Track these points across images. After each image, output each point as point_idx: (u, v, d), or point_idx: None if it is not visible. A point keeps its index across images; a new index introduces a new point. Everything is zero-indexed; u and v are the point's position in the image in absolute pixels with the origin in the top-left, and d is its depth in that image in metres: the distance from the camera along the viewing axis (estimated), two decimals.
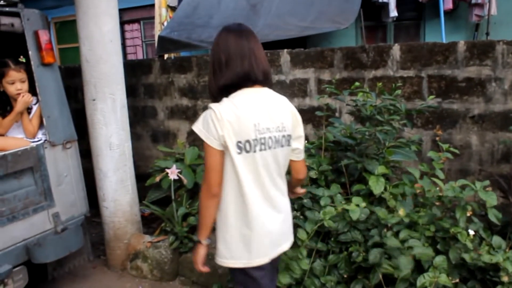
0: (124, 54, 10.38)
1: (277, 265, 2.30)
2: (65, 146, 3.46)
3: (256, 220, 1.94)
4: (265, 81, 1.95)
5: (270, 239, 1.99)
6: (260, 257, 1.98)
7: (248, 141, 1.86)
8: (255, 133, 1.86)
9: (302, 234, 2.80)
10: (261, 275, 2.04)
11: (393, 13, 6.67)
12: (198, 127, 1.91)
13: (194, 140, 4.83)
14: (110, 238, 3.87)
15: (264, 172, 1.92)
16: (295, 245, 2.90)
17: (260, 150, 1.89)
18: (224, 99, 1.89)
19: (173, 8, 7.03)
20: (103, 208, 3.81)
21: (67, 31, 10.69)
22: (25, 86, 3.37)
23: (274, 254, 2.04)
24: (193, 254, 2.13)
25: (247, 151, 1.86)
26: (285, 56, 4.32)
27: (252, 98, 1.90)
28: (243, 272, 2.03)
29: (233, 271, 2.08)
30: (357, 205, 2.75)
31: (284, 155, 2.00)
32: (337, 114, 4.17)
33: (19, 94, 3.31)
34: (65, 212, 3.46)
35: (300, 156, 2.10)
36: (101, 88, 3.55)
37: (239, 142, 1.85)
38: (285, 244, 2.11)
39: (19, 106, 3.30)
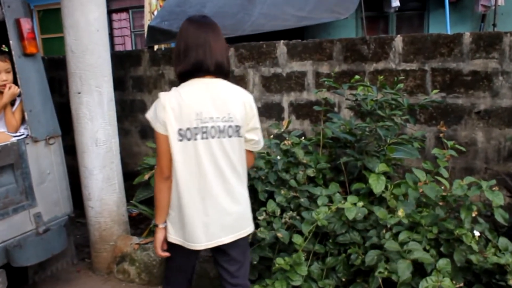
0: (112, 44, 10.34)
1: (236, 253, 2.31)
2: (48, 141, 3.44)
3: (186, 207, 2.10)
4: (218, 72, 2.10)
5: (204, 228, 2.12)
6: (193, 242, 2.13)
7: (189, 128, 2.02)
8: (196, 122, 2.02)
9: (297, 238, 2.79)
10: (184, 253, 2.23)
11: (396, 3, 6.67)
12: (149, 114, 2.11)
13: None
14: (96, 239, 3.86)
15: (207, 161, 2.06)
16: (294, 251, 2.91)
17: (202, 138, 2.04)
18: (173, 88, 2.09)
19: None
20: (88, 208, 3.79)
21: (51, 19, 10.64)
22: (10, 76, 3.34)
23: (212, 244, 2.15)
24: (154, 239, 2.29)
25: (188, 139, 2.03)
26: (281, 47, 4.31)
27: (199, 88, 2.06)
28: (180, 249, 2.20)
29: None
30: (354, 204, 2.74)
31: (233, 145, 2.11)
32: (336, 109, 4.17)
33: (4, 85, 3.29)
34: (48, 212, 3.44)
35: (257, 147, 2.23)
36: (87, 80, 3.52)
37: (181, 129, 2.02)
38: (228, 236, 2.17)
39: (6, 98, 3.27)
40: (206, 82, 2.08)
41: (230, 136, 2.08)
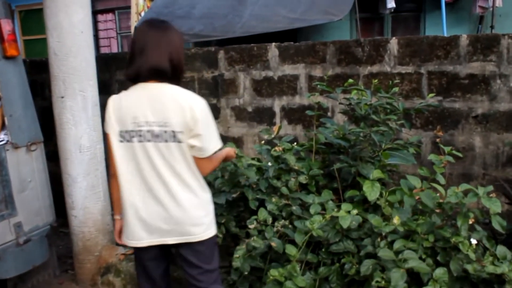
0: (97, 46, 10.33)
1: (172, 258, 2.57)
2: (30, 148, 3.42)
3: (127, 206, 2.26)
4: (158, 77, 2.18)
5: (144, 227, 2.25)
6: (134, 239, 2.28)
7: (127, 131, 2.18)
8: (132, 125, 2.16)
9: (291, 249, 2.78)
10: (145, 257, 2.39)
11: (391, 4, 6.72)
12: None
13: None
14: (79, 250, 3.84)
15: (145, 163, 2.19)
16: (286, 261, 2.91)
17: (139, 141, 2.17)
18: (122, 92, 2.26)
19: None
20: (71, 217, 3.77)
21: (33, 20, 10.61)
22: None
23: (155, 242, 2.27)
24: None
25: (127, 141, 2.19)
26: (273, 50, 4.33)
27: (139, 93, 2.18)
28: (134, 249, 2.39)
29: None
30: (348, 212, 2.75)
31: (172, 150, 2.18)
32: (329, 114, 4.19)
33: None
34: (29, 222, 3.43)
35: (203, 154, 2.23)
36: (71, 84, 3.52)
37: (121, 131, 2.19)
38: (171, 238, 2.27)
39: None
40: (147, 87, 2.18)
41: (166, 141, 2.16)
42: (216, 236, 2.41)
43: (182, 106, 2.13)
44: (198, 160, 2.24)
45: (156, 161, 2.18)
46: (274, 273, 2.68)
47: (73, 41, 3.49)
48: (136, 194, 2.23)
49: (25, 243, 3.33)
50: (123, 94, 2.23)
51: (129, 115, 2.16)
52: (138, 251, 2.38)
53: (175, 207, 2.22)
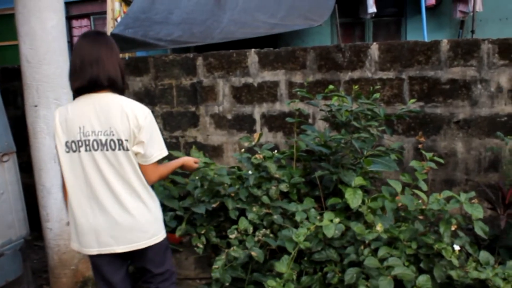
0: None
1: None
2: (1, 159, 3.39)
3: (75, 215, 2.33)
4: (112, 87, 2.27)
5: (93, 235, 2.32)
6: (86, 247, 2.35)
7: (73, 141, 2.25)
8: (79, 135, 2.24)
9: (281, 267, 2.73)
10: (100, 263, 2.43)
11: (372, 9, 6.79)
12: None
13: None
14: (55, 264, 3.80)
15: (92, 172, 2.26)
16: (267, 271, 2.92)
17: (86, 150, 2.24)
18: (68, 104, 2.36)
19: (127, 2, 6.99)
20: (46, 229, 3.74)
21: (4, 26, 10.48)
22: None
23: (104, 251, 2.34)
24: None
25: (74, 151, 2.25)
26: (252, 56, 4.36)
27: (85, 103, 2.25)
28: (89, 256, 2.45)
29: None
30: (331, 221, 2.77)
31: (119, 158, 2.25)
32: (310, 121, 4.22)
33: None
34: (1, 235, 3.38)
35: (147, 160, 2.30)
36: (44, 92, 3.49)
37: (67, 142, 2.26)
38: (120, 246, 2.33)
39: None
40: (94, 97, 2.26)
41: (113, 149, 2.24)
42: (166, 239, 2.47)
43: (127, 114, 2.22)
44: (143, 167, 2.31)
45: (104, 169, 2.25)
46: (271, 283, 2.65)
47: (47, 48, 3.47)
48: (84, 203, 2.30)
49: None
50: (70, 105, 2.31)
51: (76, 125, 2.24)
52: (92, 257, 2.44)
53: (124, 214, 2.28)
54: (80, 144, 2.24)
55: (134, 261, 2.50)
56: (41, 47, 3.45)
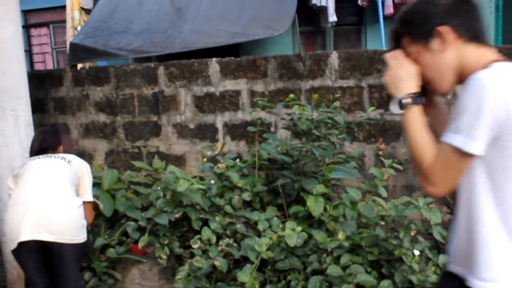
0: (31, 62, 10.06)
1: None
2: None
3: None
4: None
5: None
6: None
7: None
8: None
9: (244, 276, 2.72)
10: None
11: (332, 17, 6.88)
12: None
13: (114, 161, 4.75)
14: (14, 278, 3.71)
15: None
16: (231, 280, 2.92)
17: None
18: None
19: (87, 11, 6.91)
20: (3, 243, 3.65)
21: None
22: None
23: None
24: None
25: None
26: (214, 65, 4.36)
27: None
28: None
29: None
30: (293, 230, 2.79)
31: None
32: (272, 129, 4.24)
33: None
34: None
35: None
36: (1, 103, 3.43)
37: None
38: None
39: None
40: None
41: None
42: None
43: None
44: None
45: None
46: None
47: (2, 58, 3.41)
48: None
49: None
50: None
51: None
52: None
53: None
54: None
55: None
56: None
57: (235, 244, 3.05)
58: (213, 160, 3.54)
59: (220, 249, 3.00)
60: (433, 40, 1.55)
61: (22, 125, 3.52)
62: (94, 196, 3.59)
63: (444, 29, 1.50)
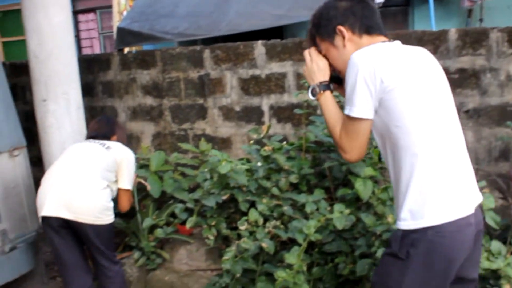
0: (79, 47, 10.27)
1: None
2: (12, 153, 3.41)
3: None
4: None
5: None
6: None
7: None
8: None
9: (291, 258, 2.72)
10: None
11: None
12: None
13: (160, 143, 4.81)
14: None
15: None
16: (278, 261, 2.92)
17: None
18: None
19: None
20: None
21: (11, 22, 10.51)
22: None
23: None
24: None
25: None
26: (259, 48, 4.34)
27: None
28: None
29: None
30: (341, 212, 2.76)
31: None
32: (318, 112, 4.20)
33: None
34: (14, 229, 3.41)
35: None
36: (53, 87, 3.51)
37: None
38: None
39: None
40: None
41: None
42: None
43: None
44: None
45: None
46: (282, 274, 2.65)
47: (54, 43, 3.48)
48: None
49: (11, 250, 3.31)
50: None
51: None
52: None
53: None
54: None
55: None
56: (48, 42, 3.46)
57: (282, 226, 3.05)
58: (259, 142, 3.54)
59: (267, 231, 2.99)
60: (336, 38, 1.90)
61: (73, 108, 3.60)
62: (142, 177, 3.66)
63: (343, 28, 1.86)
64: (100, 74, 5.10)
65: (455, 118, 1.87)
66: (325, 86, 1.99)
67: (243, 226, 3.01)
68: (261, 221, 3.03)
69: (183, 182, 3.79)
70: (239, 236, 3.10)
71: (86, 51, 10.38)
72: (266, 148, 3.33)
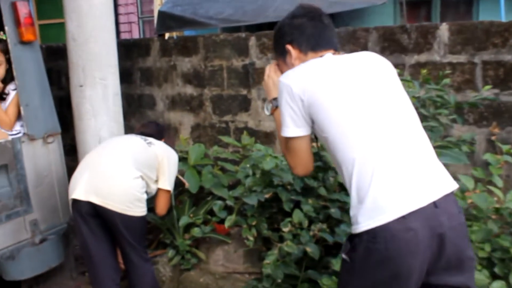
0: (117, 32, 10.39)
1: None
2: (46, 140, 3.45)
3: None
4: None
5: None
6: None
7: None
8: None
9: (338, 265, 2.61)
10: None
11: None
12: None
13: (200, 136, 4.81)
14: None
15: None
16: (323, 268, 2.86)
17: None
18: None
19: None
20: None
21: (49, 4, 10.71)
22: (2, 70, 3.36)
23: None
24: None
25: None
26: None
27: None
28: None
29: None
30: None
31: None
32: None
33: None
34: (45, 220, 3.46)
35: None
36: (91, 72, 3.54)
37: None
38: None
39: None
40: None
41: None
42: None
43: None
44: None
45: None
46: (327, 282, 2.61)
47: (94, 25, 3.50)
48: None
49: (41, 242, 3.36)
50: None
51: None
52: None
53: None
54: None
55: None
56: (87, 24, 3.48)
57: (328, 230, 2.99)
58: None
59: (312, 234, 2.94)
60: (287, 56, 2.05)
61: (110, 95, 3.62)
62: (180, 171, 3.66)
63: (290, 47, 2.02)
64: (138, 60, 5.13)
65: (404, 118, 1.88)
66: (278, 102, 2.06)
67: (286, 228, 2.97)
68: (305, 223, 2.98)
69: (222, 177, 3.77)
70: (281, 239, 3.06)
71: (125, 36, 10.50)
72: (314, 144, 3.26)
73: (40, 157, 3.42)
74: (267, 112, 2.29)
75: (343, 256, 1.81)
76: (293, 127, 1.90)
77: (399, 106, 1.90)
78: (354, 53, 2.04)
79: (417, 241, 1.67)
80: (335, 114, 1.82)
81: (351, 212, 1.79)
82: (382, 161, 1.74)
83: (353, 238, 1.77)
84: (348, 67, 1.93)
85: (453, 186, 1.83)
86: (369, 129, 1.79)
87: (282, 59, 2.11)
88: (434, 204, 1.71)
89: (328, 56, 1.98)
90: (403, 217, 1.66)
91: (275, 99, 2.17)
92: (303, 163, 2.04)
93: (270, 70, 2.25)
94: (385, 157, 1.75)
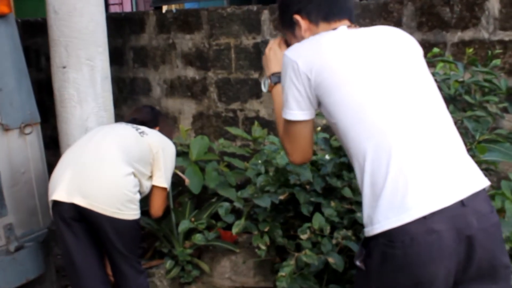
0: (106, 4, 10.43)
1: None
2: (23, 130, 3.46)
3: None
4: None
5: None
6: None
7: None
8: None
9: None
10: None
11: None
12: None
13: (203, 126, 4.83)
14: None
15: None
16: (347, 282, 2.89)
17: None
18: None
19: None
20: None
21: None
22: None
23: None
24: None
25: None
26: None
27: None
28: None
29: None
30: None
31: None
32: None
33: None
34: (22, 224, 3.48)
35: None
36: (75, 51, 3.55)
37: None
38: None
39: None
40: None
41: None
42: None
43: None
44: None
45: None
46: None
47: None
48: None
49: (17, 250, 3.37)
50: None
51: None
52: None
53: None
54: None
55: None
56: None
57: (353, 237, 3.01)
58: (328, 130, 3.50)
59: (335, 242, 2.97)
60: (296, 28, 2.06)
61: (98, 78, 3.63)
62: (179, 168, 3.68)
63: (299, 17, 2.02)
64: (131, 37, 5.16)
65: (427, 105, 1.87)
66: (278, 78, 2.12)
67: (304, 235, 2.99)
68: (327, 229, 3.00)
69: (230, 176, 3.79)
70: (299, 247, 3.09)
71: (115, 9, 10.54)
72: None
73: (17, 150, 3.44)
74: (264, 89, 2.31)
75: (357, 263, 1.81)
76: (297, 110, 1.91)
77: (422, 91, 1.89)
78: (372, 27, 2.04)
79: (440, 245, 1.66)
80: (346, 97, 1.82)
81: (365, 212, 1.80)
82: (400, 153, 1.73)
83: (368, 242, 1.78)
84: (364, 44, 1.93)
85: (484, 183, 1.81)
86: (385, 115, 1.78)
87: (290, 32, 2.11)
88: (462, 202, 1.69)
89: (342, 30, 1.98)
90: (424, 218, 1.65)
91: (274, 74, 2.20)
92: (302, 149, 2.05)
93: (274, 43, 2.27)
94: (403, 148, 1.74)
